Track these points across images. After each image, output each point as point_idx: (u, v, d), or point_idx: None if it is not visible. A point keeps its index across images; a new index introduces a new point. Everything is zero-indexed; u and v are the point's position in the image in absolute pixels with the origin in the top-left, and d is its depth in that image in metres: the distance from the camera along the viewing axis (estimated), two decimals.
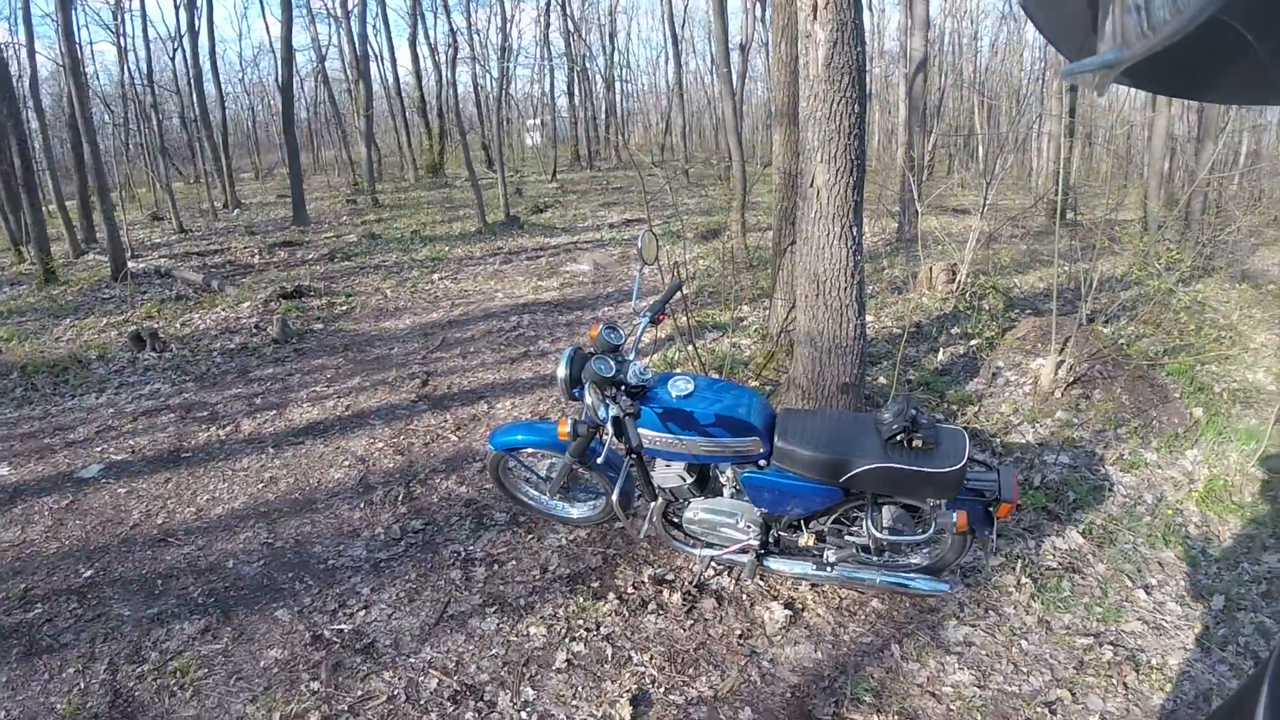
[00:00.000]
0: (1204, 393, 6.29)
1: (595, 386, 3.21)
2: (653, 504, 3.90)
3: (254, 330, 8.80)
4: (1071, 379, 5.80)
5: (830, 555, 3.72)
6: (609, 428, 3.18)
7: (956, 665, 3.67)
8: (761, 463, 3.56)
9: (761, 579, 4.17)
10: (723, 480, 3.79)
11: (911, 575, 3.71)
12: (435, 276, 11.21)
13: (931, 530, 3.46)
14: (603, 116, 33.41)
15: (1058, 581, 4.12)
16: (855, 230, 4.87)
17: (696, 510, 3.80)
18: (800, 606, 4.02)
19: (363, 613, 4.06)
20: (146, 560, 4.62)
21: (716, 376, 3.74)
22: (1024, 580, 4.12)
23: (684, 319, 6.81)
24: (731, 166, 12.05)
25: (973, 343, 7.15)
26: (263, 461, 5.75)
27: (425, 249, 13.03)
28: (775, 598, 4.07)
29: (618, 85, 35.83)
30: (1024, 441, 5.41)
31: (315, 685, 3.57)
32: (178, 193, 18.31)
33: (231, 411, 6.70)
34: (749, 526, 3.75)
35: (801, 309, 5.22)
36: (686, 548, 4.02)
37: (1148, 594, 4.11)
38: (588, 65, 31.23)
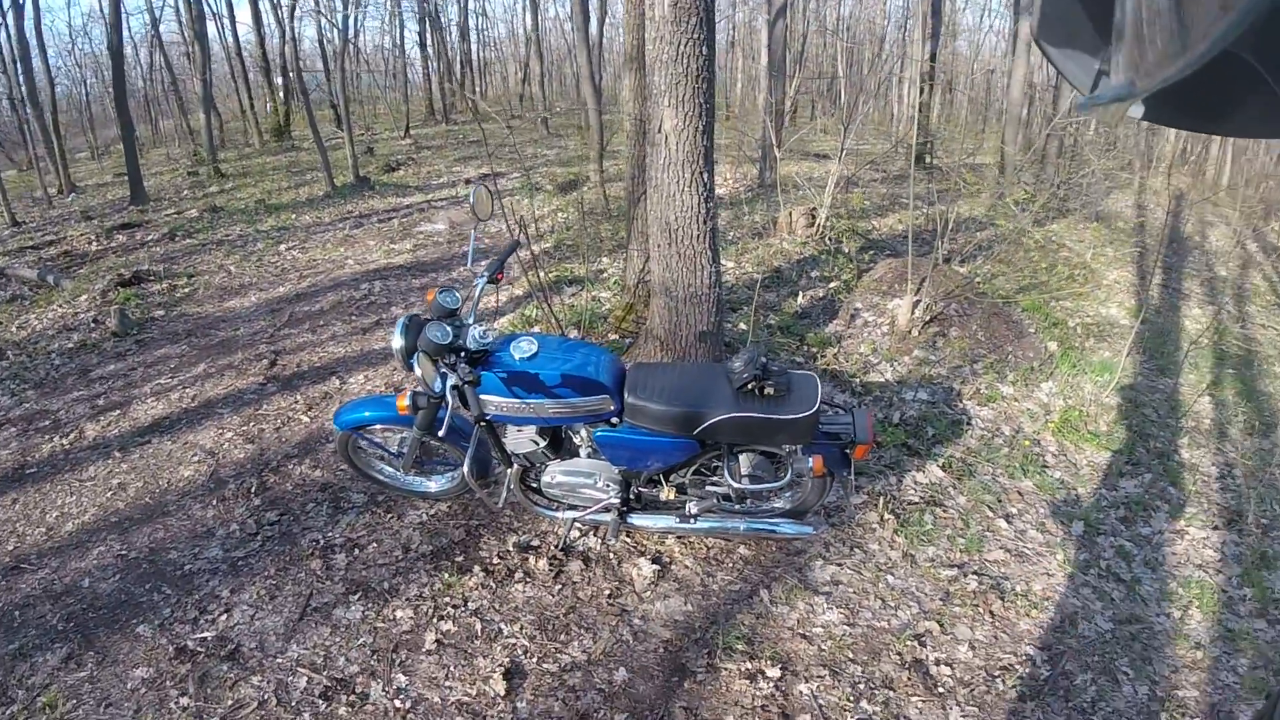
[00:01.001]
0: (1059, 328, 6.49)
1: (426, 357, 2.98)
2: (509, 471, 3.75)
3: (92, 325, 8.10)
4: (928, 318, 5.88)
5: (692, 507, 3.65)
6: (450, 398, 3.01)
7: (825, 605, 3.67)
8: (614, 420, 3.45)
9: (627, 536, 4.08)
10: (577, 441, 3.67)
11: (775, 520, 3.68)
12: (282, 247, 10.63)
13: (789, 476, 3.41)
14: (458, 68, 32.23)
15: (920, 515, 4.17)
16: (706, 176, 4.78)
17: (554, 473, 3.67)
18: (668, 560, 3.96)
19: (224, 617, 3.86)
20: (1, 592, 4.28)
21: (564, 336, 3.60)
22: (887, 516, 4.16)
23: (539, 276, 6.64)
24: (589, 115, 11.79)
25: (831, 285, 7.20)
26: (110, 468, 5.34)
27: (271, 218, 12.31)
28: (642, 554, 4.00)
29: (474, 35, 34.71)
30: (883, 380, 5.46)
31: (185, 700, 3.39)
32: (9, 182, 16.89)
33: (74, 417, 6.18)
34: (608, 485, 3.65)
35: (655, 259, 5.11)
36: (549, 512, 3.90)
37: (1009, 523, 4.19)
38: (440, 14, 30.10)
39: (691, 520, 3.67)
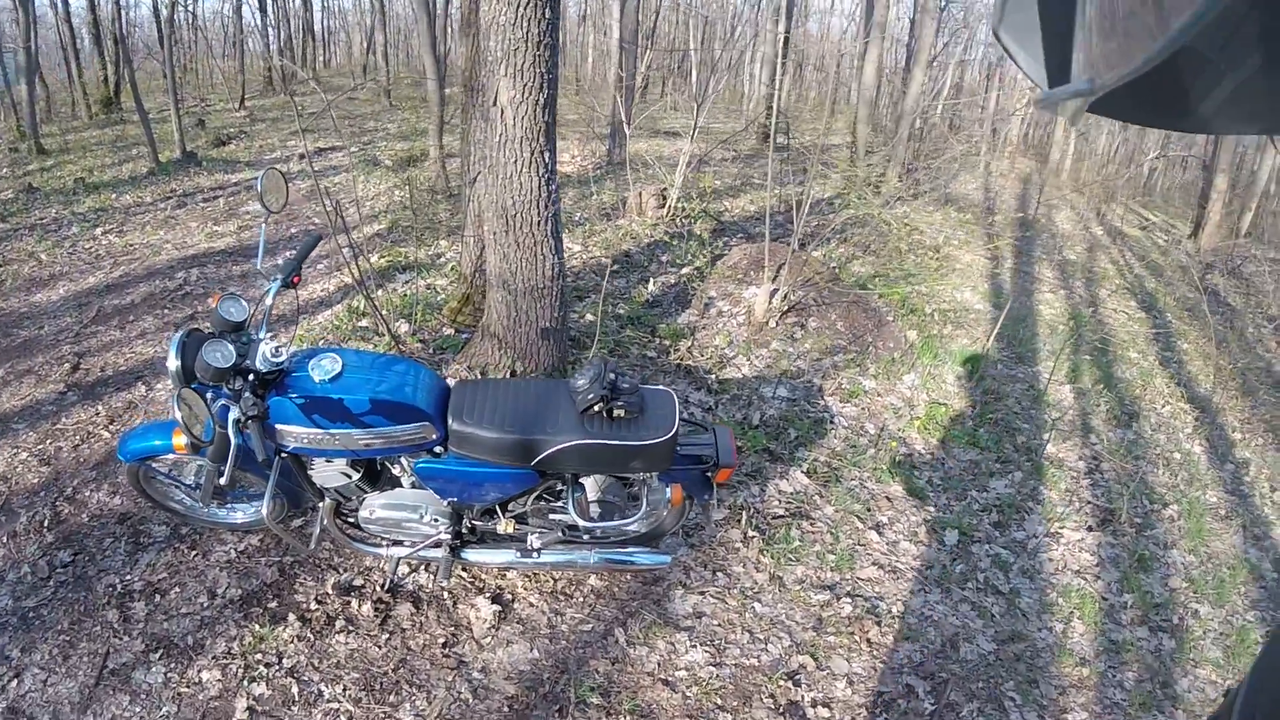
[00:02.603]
0: (917, 314, 6.31)
1: (186, 400, 2.35)
2: (321, 505, 3.21)
3: None
4: (786, 308, 5.58)
5: (535, 540, 3.18)
6: (233, 434, 2.45)
7: (688, 642, 3.30)
8: (438, 450, 2.95)
9: (463, 572, 3.60)
10: (397, 471, 3.14)
11: (629, 550, 3.25)
12: (98, 231, 9.63)
13: (644, 508, 2.98)
14: (299, 36, 30.52)
15: (786, 531, 3.83)
16: (548, 155, 4.30)
17: (372, 508, 3.12)
18: (510, 598, 3.50)
19: (15, 683, 3.34)
20: None
21: (375, 352, 3.02)
22: (751, 534, 3.80)
23: (360, 265, 6.05)
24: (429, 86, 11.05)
25: (684, 271, 6.82)
26: None
27: (90, 199, 11.11)
28: (480, 591, 3.53)
29: (317, 2, 33.02)
30: (740, 376, 5.12)
31: None
32: None
33: None
34: (436, 520, 3.14)
35: (491, 247, 4.61)
36: (370, 549, 3.38)
37: (880, 534, 3.91)
38: None
39: (535, 554, 3.20)
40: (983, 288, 7.39)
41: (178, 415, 2.32)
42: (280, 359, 2.71)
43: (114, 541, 4.04)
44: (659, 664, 3.21)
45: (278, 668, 3.30)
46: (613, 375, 2.80)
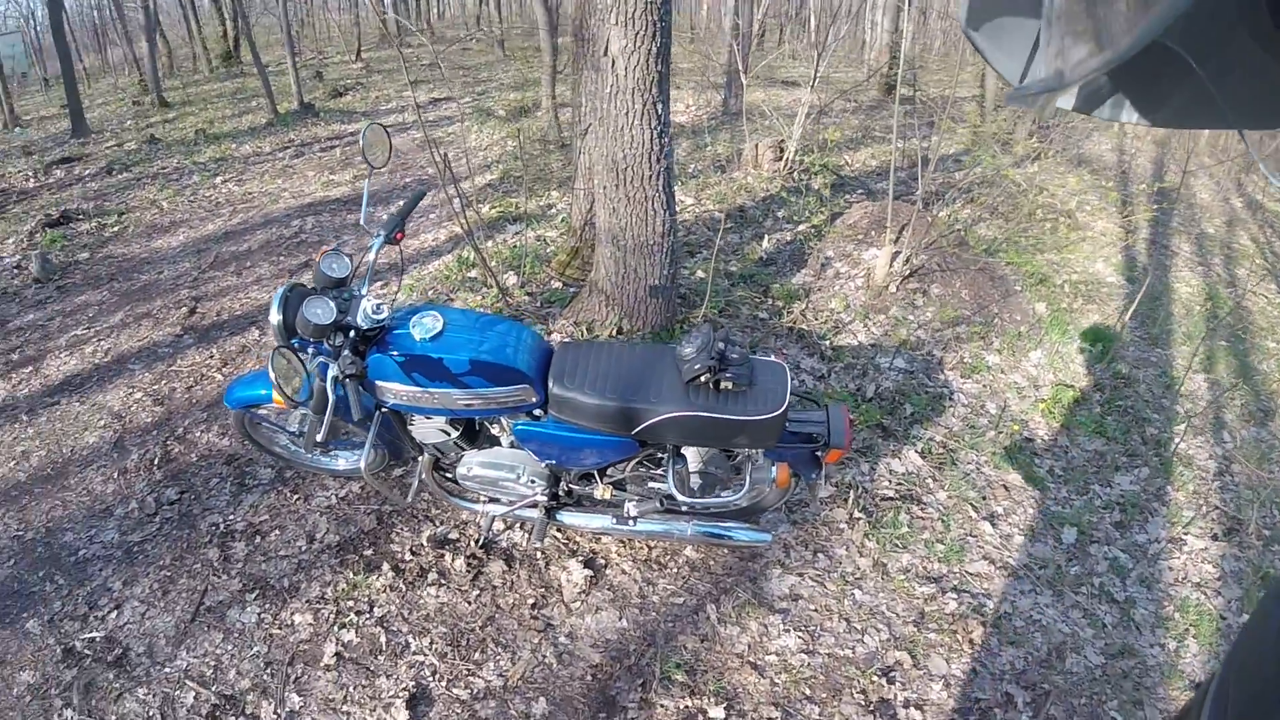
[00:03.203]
0: (1046, 285, 5.93)
1: (283, 357, 2.26)
2: (420, 459, 3.17)
3: (14, 271, 7.59)
4: (908, 272, 5.30)
5: (632, 508, 3.07)
6: (331, 392, 2.40)
7: (781, 626, 3.16)
8: (537, 413, 2.85)
9: (557, 533, 3.53)
10: (496, 430, 3.06)
11: (728, 525, 3.11)
12: (218, 180, 9.92)
13: (747, 486, 2.83)
14: None
15: (895, 515, 3.64)
16: (660, 107, 4.12)
17: (470, 465, 3.05)
18: (603, 563, 3.42)
19: (114, 615, 3.46)
20: None
21: (477, 310, 2.89)
22: (857, 515, 3.62)
23: (467, 218, 5.98)
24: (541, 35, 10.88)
25: (800, 228, 6.55)
26: (15, 433, 4.87)
27: (210, 149, 11.50)
28: (574, 554, 3.46)
29: None
30: (856, 343, 4.88)
31: (69, 713, 3.04)
32: None
33: None
34: (533, 480, 3.05)
35: (601, 202, 4.47)
36: (467, 504, 3.34)
37: (993, 525, 3.68)
38: None
39: (630, 522, 3.09)
40: (1116, 260, 6.91)
41: (271, 374, 2.26)
42: (381, 316, 2.64)
43: (220, 482, 4.14)
44: (749, 646, 3.08)
45: (368, 616, 3.31)
46: (721, 344, 2.63)
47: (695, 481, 2.94)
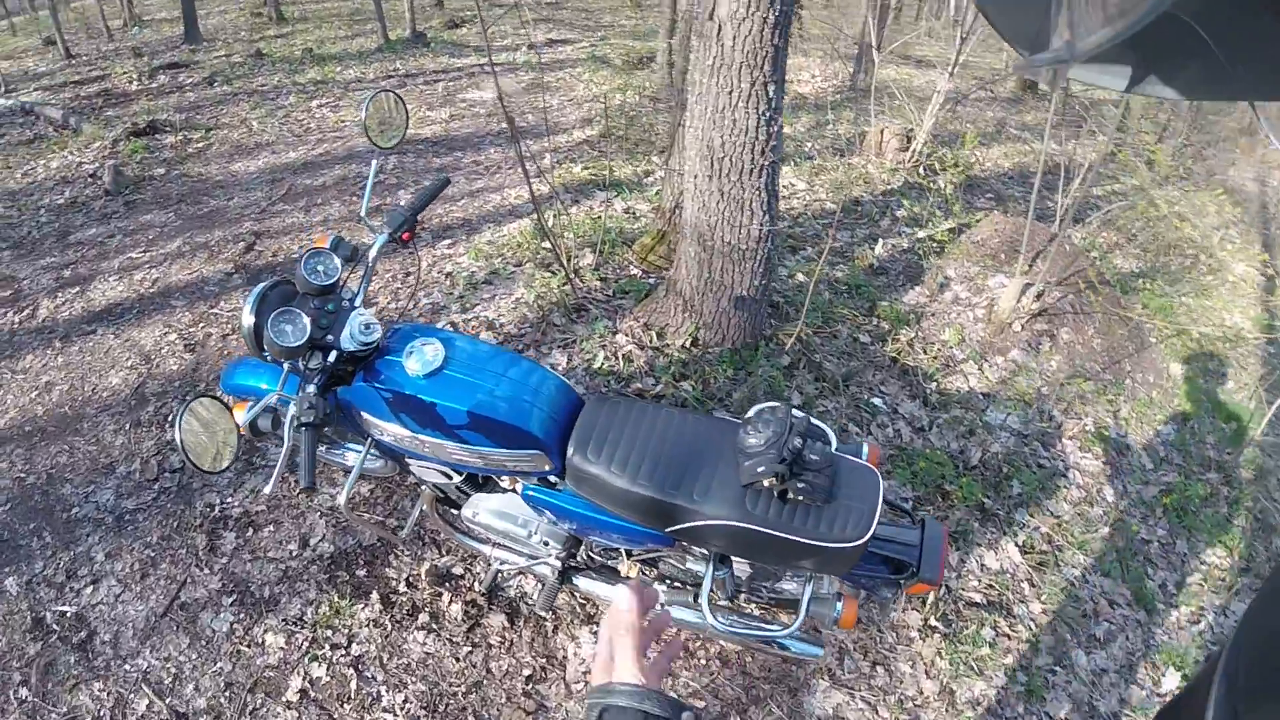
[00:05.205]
0: (1182, 338, 5.10)
1: (193, 414, 1.80)
2: (421, 489, 2.66)
3: (89, 180, 7.47)
4: (1038, 309, 4.56)
5: (662, 592, 2.51)
6: (287, 432, 1.87)
7: None
8: (553, 478, 2.28)
9: (571, 594, 3.00)
10: (505, 483, 2.51)
11: (771, 630, 2.50)
12: (313, 104, 9.62)
13: (800, 618, 2.20)
14: None
15: (978, 629, 3.01)
16: (773, 89, 3.46)
17: (477, 508, 2.51)
18: None
19: (90, 589, 3.28)
20: None
21: (489, 344, 2.25)
22: (934, 623, 2.99)
23: (545, 185, 5.45)
24: None
25: (920, 235, 5.79)
26: (45, 360, 4.72)
27: (314, 70, 11.27)
28: (588, 620, 2.95)
29: None
30: (967, 389, 4.19)
31: (24, 692, 2.91)
32: (78, 10, 16.04)
33: (36, 289, 5.56)
34: (548, 541, 2.50)
35: (691, 192, 3.86)
36: (475, 544, 2.83)
37: (1088, 656, 3.04)
38: None
39: (657, 607, 2.53)
40: (1254, 313, 5.99)
41: (177, 436, 1.75)
42: (370, 339, 2.09)
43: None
44: None
45: (344, 652, 2.92)
46: (799, 440, 1.99)
47: (738, 599, 2.40)
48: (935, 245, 5.54)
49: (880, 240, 5.63)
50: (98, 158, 7.90)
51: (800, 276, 4.96)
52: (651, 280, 4.78)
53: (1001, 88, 12.07)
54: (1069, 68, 0.53)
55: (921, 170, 7.16)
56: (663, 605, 2.52)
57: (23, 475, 3.89)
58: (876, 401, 4.00)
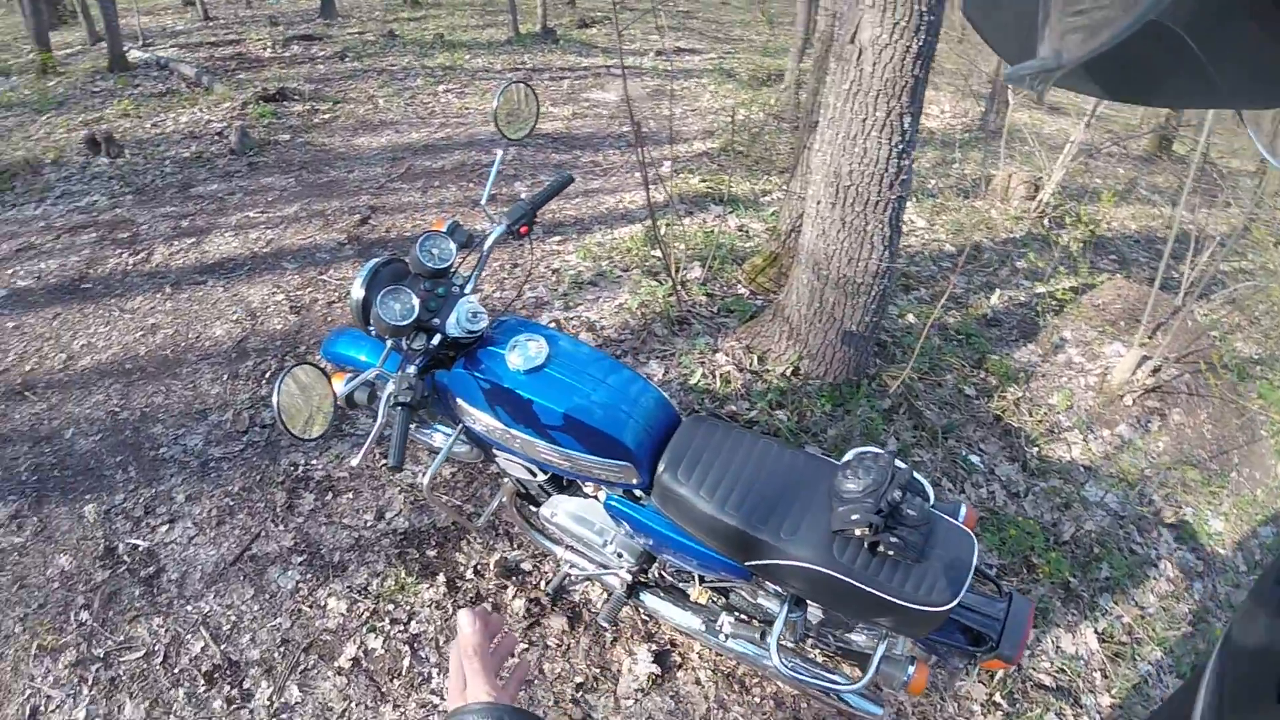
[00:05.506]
0: None
1: (294, 379, 1.83)
2: (503, 481, 2.66)
3: (215, 138, 7.83)
4: (1152, 385, 4.36)
5: (726, 624, 2.45)
6: (382, 407, 1.87)
7: None
8: (638, 492, 2.24)
9: (636, 610, 2.95)
10: (588, 489, 2.47)
11: (835, 681, 2.41)
12: (440, 88, 9.86)
13: (869, 677, 2.12)
14: None
15: (1041, 713, 2.86)
16: (908, 121, 3.36)
17: (557, 509, 2.48)
18: (677, 661, 2.85)
19: (165, 528, 3.38)
20: None
21: (593, 349, 2.20)
22: (997, 700, 2.86)
23: (661, 193, 5.39)
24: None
25: (1039, 290, 5.58)
26: (154, 303, 4.94)
27: (443, 55, 11.56)
28: (649, 638, 2.91)
29: None
30: (1068, 459, 4.02)
31: (85, 616, 3.01)
32: None
33: (153, 235, 5.82)
34: (621, 554, 2.46)
35: (811, 217, 3.78)
36: (545, 542, 2.84)
37: None
38: None
39: (721, 636, 2.47)
40: None
41: (275, 398, 1.76)
42: (477, 327, 2.09)
43: None
44: None
45: (402, 628, 2.93)
46: (899, 492, 1.90)
47: (804, 644, 2.34)
48: (1054, 303, 5.33)
49: (997, 290, 5.45)
50: (226, 117, 8.24)
51: (911, 318, 4.83)
52: (758, 302, 4.70)
53: (1135, 145, 11.63)
54: (1054, 76, 0.50)
55: (1046, 222, 6.92)
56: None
57: (117, 410, 4.04)
58: (974, 459, 3.87)
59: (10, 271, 5.41)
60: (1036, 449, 4.03)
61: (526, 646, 2.80)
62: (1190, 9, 0.42)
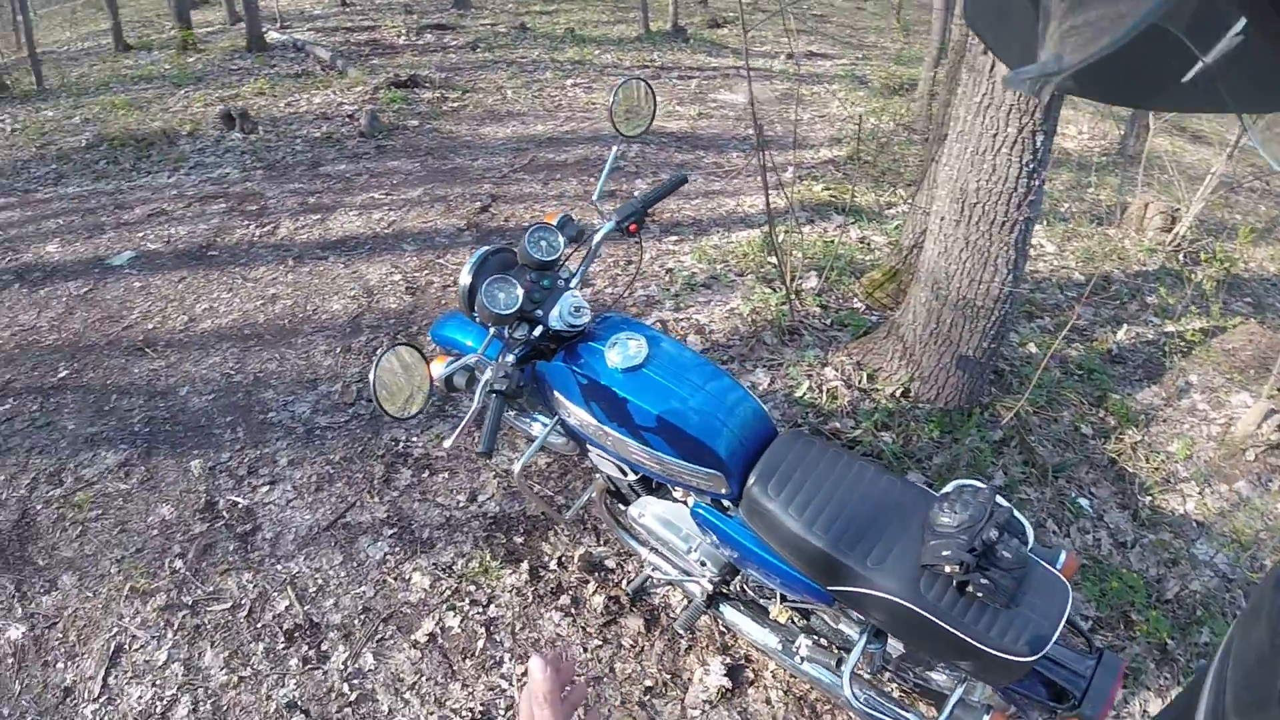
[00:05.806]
0: None
1: (396, 356, 1.88)
2: (595, 476, 2.66)
3: (346, 120, 8.15)
4: (1277, 442, 4.10)
5: (803, 645, 2.39)
6: (478, 393, 1.89)
7: None
8: (726, 502, 2.20)
9: (714, 620, 2.91)
10: (676, 494, 2.44)
11: (910, 715, 2.32)
12: (568, 82, 9.91)
13: (947, 714, 2.02)
14: None
15: None
16: (1040, 139, 3.21)
17: (644, 509, 2.46)
18: (750, 678, 2.79)
19: (266, 488, 3.52)
20: (115, 370, 4.32)
21: (695, 353, 2.15)
22: None
23: (784, 199, 5.28)
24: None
25: (1168, 329, 5.31)
26: (276, 274, 5.17)
27: (573, 50, 11.65)
28: (724, 650, 2.85)
29: None
30: (1181, 512, 3.80)
31: (179, 564, 3.15)
32: None
33: (280, 209, 6.10)
34: (705, 563, 2.42)
35: (934, 234, 3.65)
36: (630, 540, 2.82)
37: None
38: None
39: (796, 658, 2.41)
40: None
41: (371, 374, 1.78)
42: (579, 321, 2.09)
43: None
44: None
45: (481, 610, 2.97)
46: (996, 531, 1.81)
47: (880, 676, 2.28)
48: (1182, 344, 5.06)
49: (1124, 325, 5.19)
50: (357, 101, 8.53)
51: (1032, 347, 4.63)
52: (874, 318, 4.58)
53: (1278, 181, 11.00)
54: (1055, 80, 0.51)
55: (1181, 257, 6.57)
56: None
57: (231, 373, 4.22)
58: (1083, 502, 3.68)
59: (141, 234, 5.69)
60: (1150, 498, 3.82)
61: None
62: (1189, 13, 0.43)
